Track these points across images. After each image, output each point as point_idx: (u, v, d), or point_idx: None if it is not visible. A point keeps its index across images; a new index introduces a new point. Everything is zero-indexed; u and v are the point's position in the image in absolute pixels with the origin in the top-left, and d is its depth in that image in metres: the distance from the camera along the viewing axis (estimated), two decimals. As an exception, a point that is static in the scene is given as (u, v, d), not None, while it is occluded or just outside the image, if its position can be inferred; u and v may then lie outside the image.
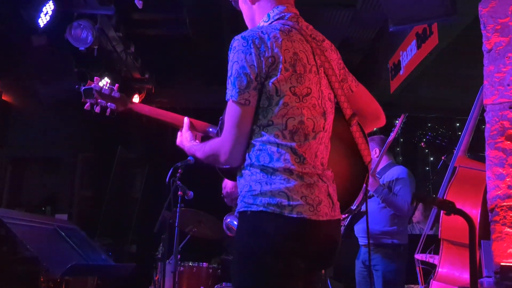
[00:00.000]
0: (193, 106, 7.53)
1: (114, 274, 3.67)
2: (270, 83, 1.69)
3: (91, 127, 6.80)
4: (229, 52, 1.75)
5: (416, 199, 1.83)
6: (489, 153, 2.55)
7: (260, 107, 1.71)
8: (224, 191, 3.60)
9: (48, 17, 4.66)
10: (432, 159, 7.32)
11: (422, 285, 3.37)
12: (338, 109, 1.90)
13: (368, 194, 3.88)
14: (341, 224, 1.98)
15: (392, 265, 3.98)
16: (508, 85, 2.54)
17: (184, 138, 2.06)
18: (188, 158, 4.15)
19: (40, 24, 4.62)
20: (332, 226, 1.74)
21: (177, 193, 4.14)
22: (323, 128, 1.78)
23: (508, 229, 2.42)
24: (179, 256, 4.27)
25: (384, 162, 4.28)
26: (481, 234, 2.77)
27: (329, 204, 1.73)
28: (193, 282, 4.91)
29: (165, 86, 7.53)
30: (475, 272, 1.81)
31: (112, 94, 2.20)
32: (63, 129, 6.74)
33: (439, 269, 3.04)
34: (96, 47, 5.19)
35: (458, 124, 7.01)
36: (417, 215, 5.92)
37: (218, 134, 2.09)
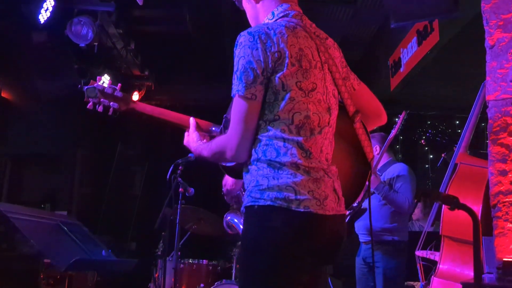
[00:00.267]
0: (193, 104, 7.53)
1: (117, 269, 3.68)
2: (276, 78, 1.70)
3: (90, 124, 6.80)
4: (234, 48, 1.76)
5: (421, 194, 1.82)
6: (492, 149, 2.55)
7: (266, 102, 1.72)
8: (224, 189, 3.60)
9: (48, 13, 4.66)
10: (431, 156, 7.32)
11: (422, 281, 3.37)
12: (341, 106, 1.91)
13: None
14: None
15: (392, 262, 3.99)
16: (511, 81, 2.54)
17: (191, 139, 2.06)
18: (189, 155, 4.15)
19: (40, 20, 4.62)
20: (338, 220, 1.76)
21: (178, 190, 4.14)
22: (328, 123, 1.80)
23: (511, 225, 2.43)
24: (179, 253, 4.27)
25: (384, 159, 4.28)
26: (482, 230, 2.77)
27: (335, 199, 1.75)
28: (193, 279, 4.92)
29: (165, 83, 7.51)
30: (480, 267, 1.81)
31: (115, 94, 2.20)
32: (63, 126, 6.73)
33: (440, 266, 3.05)
34: (96, 43, 5.17)
35: (457, 122, 7.02)
36: (417, 213, 5.92)
37: (221, 132, 2.09)
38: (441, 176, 3.33)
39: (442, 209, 3.00)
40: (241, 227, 4.23)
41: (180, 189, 4.15)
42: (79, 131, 7.01)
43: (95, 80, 2.30)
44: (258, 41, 1.71)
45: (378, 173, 4.16)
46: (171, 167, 4.05)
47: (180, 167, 4.11)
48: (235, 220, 4.39)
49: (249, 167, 1.75)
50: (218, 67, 6.94)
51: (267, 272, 1.64)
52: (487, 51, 2.67)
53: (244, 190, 4.05)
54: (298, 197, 1.65)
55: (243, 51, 1.72)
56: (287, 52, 1.71)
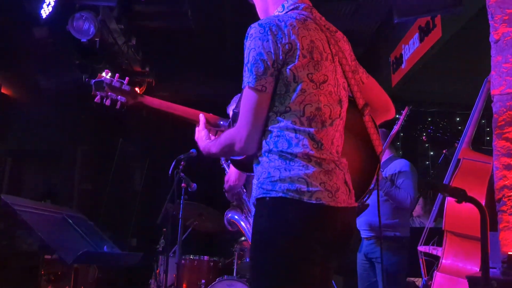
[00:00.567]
0: (194, 100, 7.50)
1: (123, 262, 3.69)
2: (287, 70, 1.70)
3: (91, 120, 6.79)
4: (245, 40, 1.75)
5: (428, 187, 1.82)
6: (497, 143, 2.56)
7: (276, 93, 1.72)
8: (226, 185, 3.58)
9: (50, 8, 4.65)
10: (432, 153, 7.33)
11: (425, 277, 3.37)
12: (350, 100, 1.91)
13: (371, 187, 3.87)
14: None
15: (394, 257, 3.99)
16: (516, 75, 2.54)
17: (200, 136, 2.05)
18: (191, 150, 4.16)
19: (42, 15, 4.60)
20: (349, 213, 1.76)
21: (180, 185, 4.14)
22: (339, 116, 1.80)
23: (516, 219, 2.43)
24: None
25: (386, 155, 4.28)
26: (486, 224, 2.77)
27: (346, 191, 1.75)
28: (194, 275, 4.92)
29: (166, 79, 7.50)
30: (487, 260, 1.81)
31: (122, 87, 2.18)
32: (63, 122, 6.71)
33: (443, 261, 3.05)
34: (98, 39, 5.16)
35: (458, 119, 7.03)
36: (417, 209, 5.93)
37: (229, 126, 2.08)
38: (441, 173, 3.33)
39: (445, 205, 3.01)
40: (242, 223, 4.26)
41: (183, 184, 4.15)
42: (80, 128, 6.99)
43: (95, 76, 2.29)
44: (269, 33, 1.70)
45: (380, 169, 4.16)
46: (173, 163, 4.05)
47: (182, 163, 4.11)
48: (236, 217, 4.38)
49: (260, 158, 1.74)
50: (220, 63, 6.94)
51: (279, 264, 1.63)
52: (492, 45, 2.67)
53: (244, 188, 4.03)
54: (310, 188, 1.64)
55: (253, 42, 1.71)
56: (298, 44, 1.71)
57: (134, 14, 5.89)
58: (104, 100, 2.17)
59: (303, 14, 1.83)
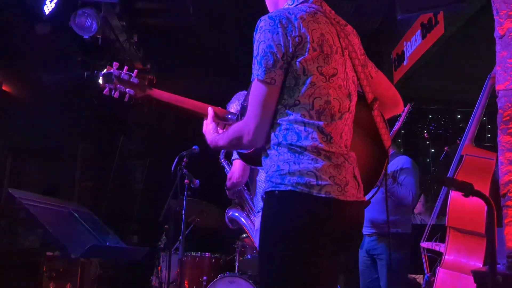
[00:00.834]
0: (196, 97, 7.48)
1: (129, 256, 3.69)
2: (297, 63, 1.70)
3: (92, 117, 6.78)
4: (254, 33, 1.75)
5: (435, 181, 1.82)
6: (502, 138, 2.56)
7: (286, 86, 1.72)
8: (229, 182, 3.57)
9: (53, 5, 4.64)
10: (433, 150, 7.33)
11: (427, 273, 3.37)
12: (360, 94, 1.90)
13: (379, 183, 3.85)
14: None
15: (396, 254, 3.99)
16: (522, 70, 2.54)
17: (207, 130, 2.05)
18: (193, 147, 4.16)
19: (45, 11, 4.59)
20: (358, 207, 1.77)
21: (183, 181, 4.14)
22: (349, 109, 1.79)
23: (521, 214, 2.43)
24: (183, 246, 4.27)
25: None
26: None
27: (355, 185, 1.75)
28: (196, 272, 4.91)
29: (167, 76, 7.49)
30: (494, 255, 1.80)
31: (131, 80, 2.18)
32: (64, 119, 6.71)
33: (446, 257, 3.05)
34: (100, 36, 5.15)
35: (459, 116, 7.03)
36: (418, 207, 5.93)
37: (237, 119, 2.08)
38: (442, 170, 3.33)
39: (448, 201, 3.01)
40: (243, 220, 4.26)
41: (186, 181, 4.15)
42: (81, 125, 6.99)
43: (97, 73, 2.29)
44: (279, 25, 1.70)
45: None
46: (176, 159, 4.05)
47: (184, 159, 4.11)
48: (236, 214, 4.39)
49: (269, 151, 1.74)
50: (222, 60, 6.93)
51: (288, 257, 1.64)
52: (496, 40, 2.67)
53: (245, 186, 4.01)
54: (320, 182, 1.64)
55: (263, 35, 1.71)
56: (308, 37, 1.71)
57: (136, 11, 5.88)
58: (113, 93, 2.16)
59: (313, 7, 1.82)
